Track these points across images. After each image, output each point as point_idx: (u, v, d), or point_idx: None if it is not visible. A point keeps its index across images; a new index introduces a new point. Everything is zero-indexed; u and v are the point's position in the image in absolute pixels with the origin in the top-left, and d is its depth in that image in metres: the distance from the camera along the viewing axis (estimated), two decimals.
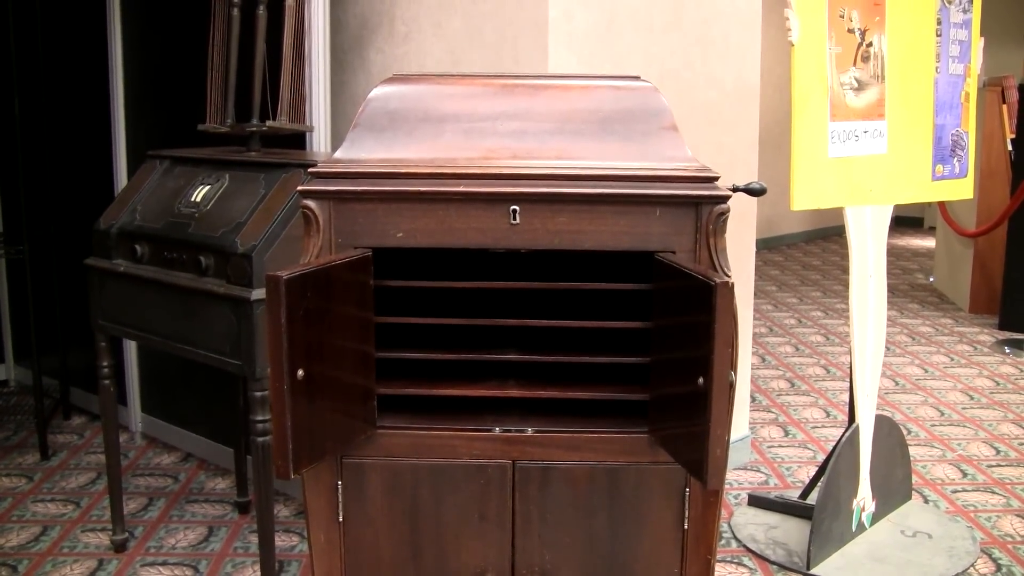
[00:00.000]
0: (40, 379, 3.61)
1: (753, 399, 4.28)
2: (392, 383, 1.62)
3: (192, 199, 2.48)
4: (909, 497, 3.13)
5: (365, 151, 1.57)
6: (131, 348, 3.71)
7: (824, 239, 9.45)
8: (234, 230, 2.30)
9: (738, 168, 3.35)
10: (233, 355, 2.27)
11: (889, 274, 5.33)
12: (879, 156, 2.70)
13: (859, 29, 2.61)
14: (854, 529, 2.85)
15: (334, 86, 3.15)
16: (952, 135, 2.93)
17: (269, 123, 2.62)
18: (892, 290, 6.55)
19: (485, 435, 1.59)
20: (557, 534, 1.62)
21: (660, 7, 3.04)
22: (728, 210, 1.52)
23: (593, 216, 1.53)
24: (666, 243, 1.53)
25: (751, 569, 2.76)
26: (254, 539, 2.86)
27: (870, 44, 2.64)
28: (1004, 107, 5.75)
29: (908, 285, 7.02)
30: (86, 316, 2.70)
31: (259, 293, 2.21)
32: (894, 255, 8.21)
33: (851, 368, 2.82)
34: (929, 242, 8.74)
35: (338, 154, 1.58)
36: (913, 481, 3.20)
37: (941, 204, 6.29)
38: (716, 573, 1.90)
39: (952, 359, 5.04)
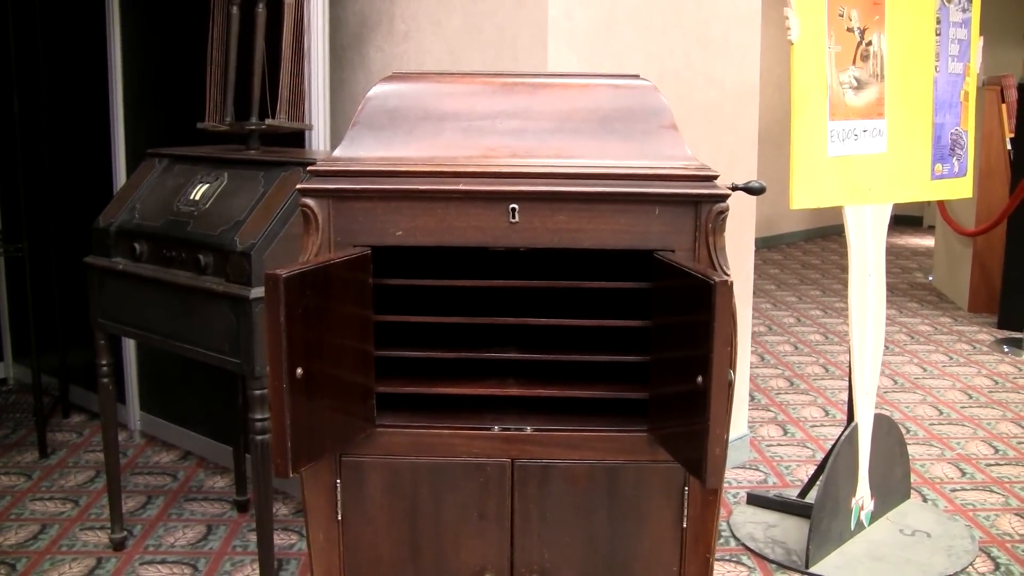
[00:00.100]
0: (39, 377, 3.61)
1: (752, 398, 4.29)
2: (391, 382, 1.62)
3: (191, 197, 2.48)
4: (908, 496, 3.13)
5: (364, 149, 1.57)
6: (130, 346, 3.71)
7: (823, 238, 9.46)
8: (233, 228, 2.30)
9: (737, 167, 3.35)
10: (232, 353, 2.27)
11: (888, 273, 5.34)
12: (878, 155, 2.70)
13: (858, 28, 2.61)
14: (853, 528, 2.85)
15: (333, 84, 3.15)
16: (951, 134, 2.93)
17: (268, 121, 2.62)
18: (891, 289, 6.55)
19: (484, 434, 1.59)
20: (556, 533, 1.62)
21: (660, 6, 3.04)
22: (727, 209, 1.52)
23: (592, 215, 1.53)
24: (665, 242, 1.53)
25: (750, 568, 2.76)
26: (253, 537, 2.86)
27: (869, 43, 2.64)
28: (1003, 106, 5.75)
29: (907, 284, 7.02)
30: (85, 314, 2.70)
31: (258, 291, 2.21)
32: (893, 254, 8.21)
33: (850, 367, 2.82)
34: (928, 241, 8.74)
35: (337, 152, 1.58)
36: (912, 480, 3.20)
37: (940, 203, 6.29)
38: (715, 571, 1.90)
39: (951, 358, 5.04)
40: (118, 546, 2.82)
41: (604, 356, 1.62)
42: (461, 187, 1.51)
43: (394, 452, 1.60)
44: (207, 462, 3.50)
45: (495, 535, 1.62)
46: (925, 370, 4.81)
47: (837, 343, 5.34)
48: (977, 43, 2.99)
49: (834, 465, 2.74)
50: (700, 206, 1.52)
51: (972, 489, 3.32)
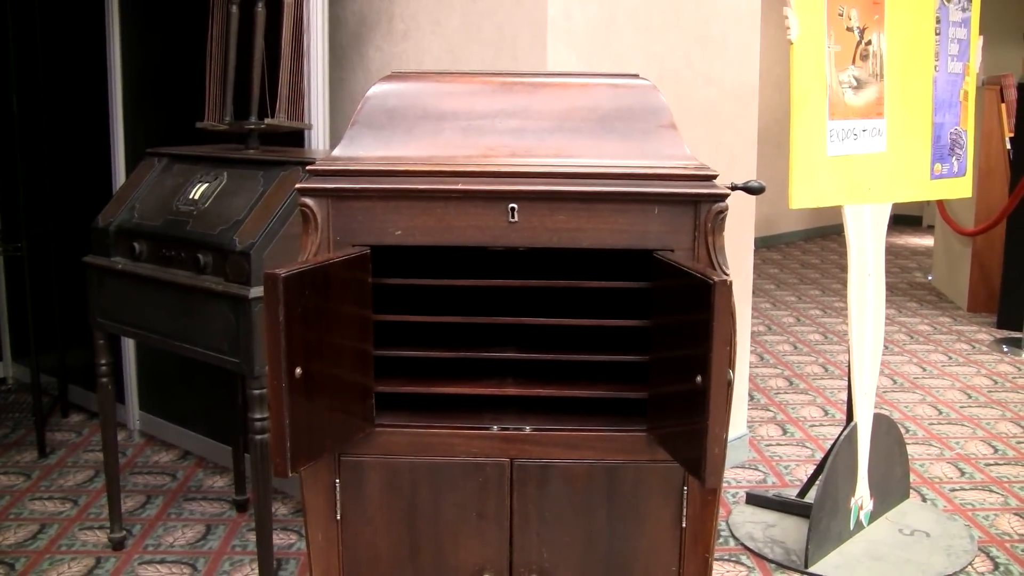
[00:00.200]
0: (38, 377, 3.61)
1: (751, 397, 4.29)
2: (390, 381, 1.62)
3: (190, 197, 2.48)
4: (907, 495, 3.13)
5: (363, 149, 1.57)
6: (129, 346, 3.71)
7: (823, 237, 9.46)
8: (232, 228, 2.30)
9: (737, 166, 3.35)
10: (231, 353, 2.27)
11: (888, 272, 5.33)
12: (878, 155, 2.70)
13: (858, 27, 2.61)
14: (852, 527, 2.85)
15: (333, 84, 3.15)
16: (951, 134, 2.93)
17: (267, 121, 2.62)
18: (891, 288, 6.55)
19: (483, 433, 1.59)
20: (555, 532, 1.62)
21: (659, 6, 3.04)
22: (727, 208, 1.52)
23: (591, 214, 1.53)
24: (664, 241, 1.53)
25: (749, 567, 2.76)
26: (252, 537, 2.86)
27: (869, 42, 2.64)
28: (1003, 106, 5.75)
29: (907, 283, 7.02)
30: (84, 314, 2.70)
31: (257, 291, 2.20)
32: (893, 253, 8.21)
33: (849, 366, 2.82)
34: (928, 240, 8.75)
35: (336, 152, 1.58)
36: (911, 479, 3.21)
37: (940, 203, 6.29)
38: (714, 571, 1.90)
39: (950, 357, 5.04)
40: (117, 546, 2.82)
41: (603, 356, 1.62)
42: (460, 186, 1.51)
43: (393, 452, 1.60)
44: (206, 462, 3.50)
45: (494, 535, 1.62)
46: (924, 370, 4.81)
47: (836, 343, 5.34)
48: (977, 42, 2.99)
49: (833, 465, 2.73)
50: (699, 206, 1.52)
51: (971, 489, 3.32)
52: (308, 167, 1.56)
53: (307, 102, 2.82)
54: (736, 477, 3.41)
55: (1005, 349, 5.18)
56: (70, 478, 3.36)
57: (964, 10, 2.93)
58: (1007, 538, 2.94)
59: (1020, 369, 4.84)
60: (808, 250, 8.76)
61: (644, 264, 1.55)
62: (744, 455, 3.57)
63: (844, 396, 3.87)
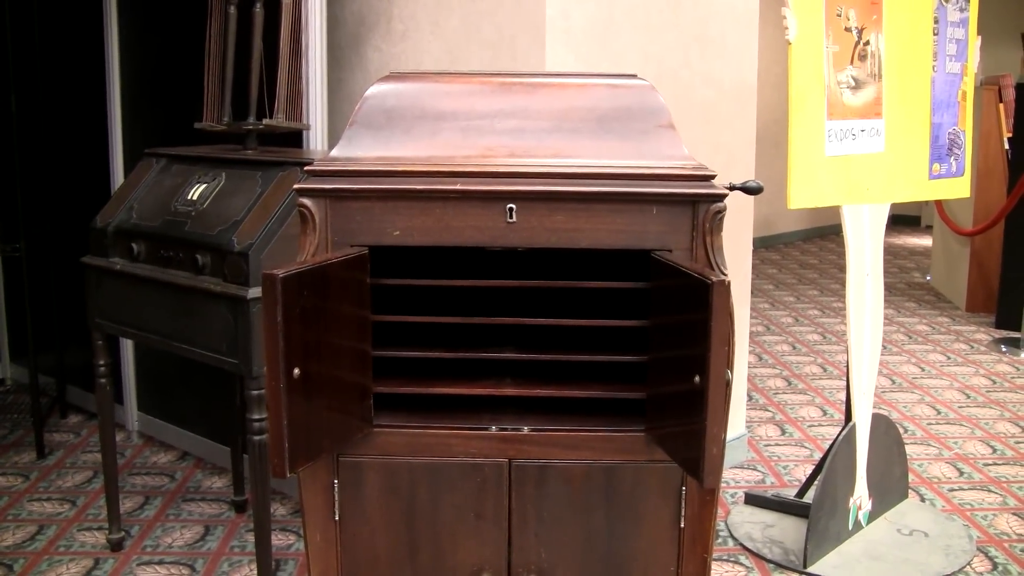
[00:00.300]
0: (36, 377, 3.60)
1: (750, 397, 4.29)
2: (389, 381, 1.62)
3: (189, 197, 2.48)
4: (906, 495, 3.13)
5: (362, 149, 1.57)
6: (128, 346, 3.71)
7: (821, 237, 9.46)
8: (231, 228, 2.30)
9: (735, 166, 3.35)
10: (230, 353, 2.27)
11: (886, 272, 5.33)
12: (876, 155, 2.70)
13: (856, 28, 2.61)
14: (851, 527, 2.85)
15: (331, 84, 3.15)
16: (949, 134, 2.93)
17: (266, 121, 2.62)
18: (889, 288, 6.55)
19: (482, 434, 1.59)
20: (554, 532, 1.62)
21: (658, 6, 3.04)
22: (725, 208, 1.52)
23: (590, 214, 1.53)
24: (663, 241, 1.53)
25: (748, 567, 2.76)
26: (251, 538, 2.86)
27: (867, 43, 2.64)
28: (1001, 106, 5.76)
29: (905, 283, 7.03)
30: (83, 314, 2.70)
31: (256, 291, 2.20)
32: (891, 253, 8.21)
33: (848, 366, 2.82)
34: (926, 240, 8.75)
35: (334, 152, 1.58)
36: (910, 479, 3.21)
37: (938, 203, 6.30)
38: (713, 571, 1.90)
39: (949, 357, 5.04)
40: (116, 547, 2.82)
41: (602, 356, 1.62)
42: (459, 187, 1.51)
43: (391, 452, 1.60)
44: (205, 462, 3.50)
45: (492, 535, 1.62)
46: (923, 370, 4.81)
47: (835, 343, 5.35)
48: (975, 43, 3.00)
49: (832, 465, 2.74)
50: (698, 206, 1.52)
51: (970, 489, 3.32)
52: (306, 167, 1.56)
53: (305, 102, 2.81)
54: (735, 477, 3.41)
55: (1003, 349, 5.19)
56: (68, 479, 3.35)
57: (962, 10, 2.93)
58: (1006, 538, 2.94)
59: (1018, 369, 4.84)
60: (807, 250, 8.77)
61: (642, 264, 1.55)
62: (743, 455, 3.57)
63: (843, 396, 3.87)
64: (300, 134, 2.89)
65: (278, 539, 2.87)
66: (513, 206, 1.52)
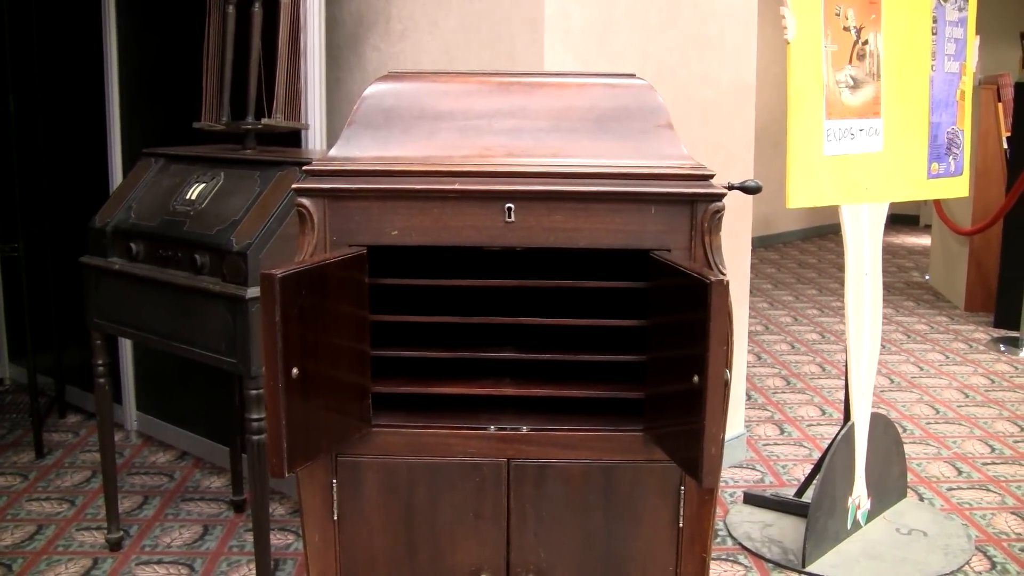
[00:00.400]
0: (35, 377, 3.60)
1: (749, 397, 4.29)
2: (387, 381, 1.62)
3: (187, 197, 2.47)
4: (904, 495, 3.13)
5: (360, 149, 1.57)
6: (126, 346, 3.71)
7: (820, 237, 9.46)
8: (229, 228, 2.30)
9: (734, 166, 3.35)
10: (228, 353, 2.27)
11: (885, 272, 5.34)
12: (875, 154, 2.70)
13: (855, 27, 2.61)
14: (849, 527, 2.85)
15: (330, 84, 3.15)
16: (948, 133, 2.93)
17: (264, 121, 2.62)
18: (888, 288, 6.56)
19: (480, 433, 1.59)
20: (552, 532, 1.62)
21: (656, 5, 3.04)
22: (723, 208, 1.52)
23: (588, 214, 1.53)
24: (661, 241, 1.53)
25: (746, 567, 2.76)
26: (249, 538, 2.86)
27: (866, 42, 2.64)
28: (999, 105, 5.76)
29: (904, 283, 7.03)
30: (81, 314, 2.70)
31: (254, 291, 2.20)
32: (890, 253, 8.21)
33: (846, 366, 2.82)
34: (925, 240, 8.75)
35: (333, 152, 1.58)
36: (908, 479, 3.21)
37: (937, 202, 6.30)
38: (711, 571, 1.90)
39: (947, 357, 5.04)
40: (114, 546, 2.82)
41: (600, 356, 1.62)
42: (457, 186, 1.51)
43: (390, 452, 1.60)
44: (203, 462, 3.50)
45: (491, 535, 1.62)
46: (922, 369, 4.82)
47: (834, 342, 5.35)
48: (973, 42, 3.00)
49: (831, 464, 2.74)
50: (696, 205, 1.52)
51: (969, 488, 3.32)
52: (305, 167, 1.56)
53: (304, 102, 2.81)
54: (733, 476, 3.41)
55: (1002, 348, 5.19)
56: (67, 479, 3.35)
57: (960, 10, 2.93)
58: (1004, 537, 2.94)
59: (1017, 368, 4.85)
60: (805, 249, 8.77)
61: (641, 264, 1.55)
62: (741, 455, 3.57)
63: (841, 395, 3.87)
64: (299, 134, 2.89)
65: (277, 539, 2.87)
66: (511, 206, 1.52)
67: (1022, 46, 7.98)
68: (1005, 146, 5.74)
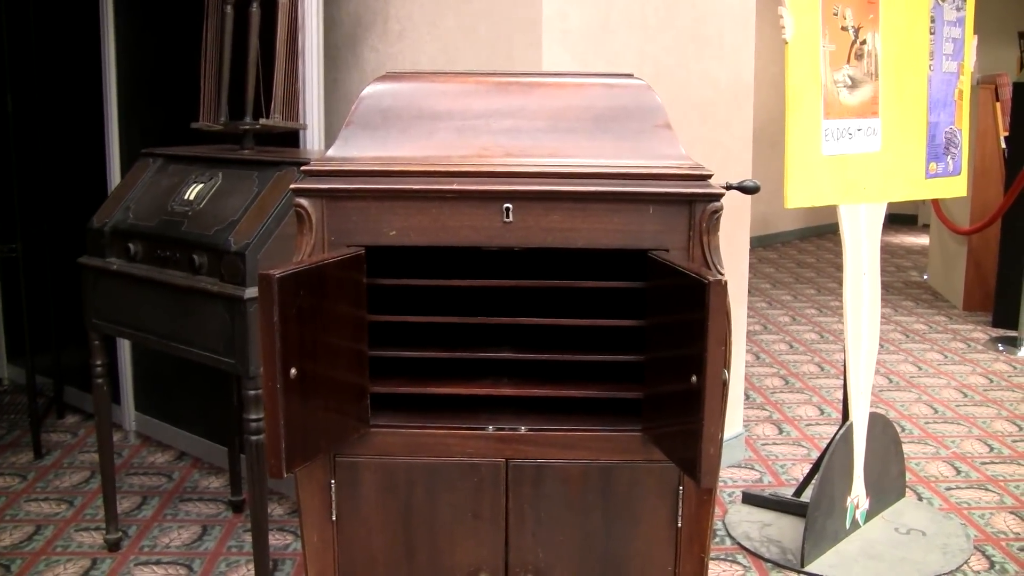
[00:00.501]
0: (33, 378, 3.60)
1: (747, 397, 4.29)
2: (386, 381, 1.62)
3: (185, 197, 2.47)
4: (903, 494, 3.14)
5: (358, 149, 1.57)
6: (125, 347, 3.71)
7: (818, 237, 9.47)
8: (227, 228, 2.30)
9: (732, 166, 3.35)
10: (227, 353, 2.27)
11: (883, 271, 5.34)
12: (873, 154, 2.70)
13: (853, 27, 2.61)
14: (848, 527, 2.85)
15: (328, 84, 3.15)
16: (946, 133, 2.93)
17: (262, 121, 2.62)
18: (886, 287, 6.56)
19: (479, 433, 1.59)
20: (551, 532, 1.62)
21: (654, 5, 3.04)
22: (721, 208, 1.52)
23: (586, 214, 1.53)
24: (659, 241, 1.53)
25: (745, 567, 2.77)
26: (248, 538, 2.86)
27: (864, 42, 2.64)
28: (997, 105, 5.76)
29: (902, 282, 7.03)
30: (80, 315, 2.70)
31: (252, 291, 2.20)
32: (888, 252, 8.22)
33: (845, 365, 2.82)
34: (923, 239, 8.76)
35: (331, 152, 1.57)
36: (907, 478, 3.21)
37: (935, 202, 6.30)
38: (710, 571, 1.90)
39: (946, 356, 5.05)
40: (113, 547, 2.82)
41: (598, 356, 1.62)
42: (455, 187, 1.51)
43: (389, 452, 1.60)
44: (202, 462, 3.49)
45: (490, 535, 1.62)
46: (920, 368, 4.82)
47: (832, 342, 5.35)
48: (971, 42, 3.00)
49: (829, 464, 2.74)
50: (694, 205, 1.52)
51: (967, 487, 3.32)
52: (303, 167, 1.56)
53: (302, 102, 2.81)
54: (732, 476, 3.41)
55: (1000, 348, 5.19)
56: (66, 479, 3.35)
57: (959, 9, 2.93)
58: (1003, 536, 2.94)
59: (1016, 368, 4.85)
60: (804, 249, 8.77)
61: (639, 264, 1.55)
62: (740, 454, 3.57)
63: (840, 395, 3.87)
64: (297, 134, 2.89)
65: (275, 539, 2.87)
66: (509, 206, 1.52)
67: (1020, 46, 7.99)
68: (1003, 145, 5.75)
